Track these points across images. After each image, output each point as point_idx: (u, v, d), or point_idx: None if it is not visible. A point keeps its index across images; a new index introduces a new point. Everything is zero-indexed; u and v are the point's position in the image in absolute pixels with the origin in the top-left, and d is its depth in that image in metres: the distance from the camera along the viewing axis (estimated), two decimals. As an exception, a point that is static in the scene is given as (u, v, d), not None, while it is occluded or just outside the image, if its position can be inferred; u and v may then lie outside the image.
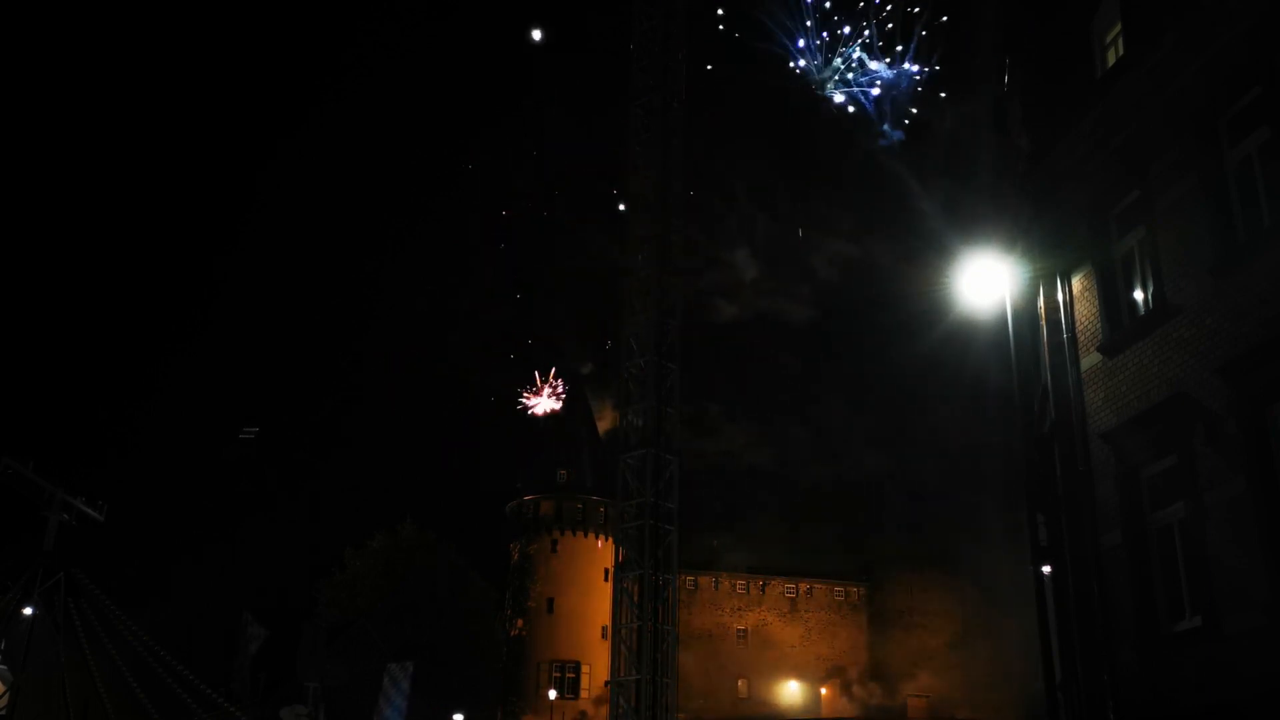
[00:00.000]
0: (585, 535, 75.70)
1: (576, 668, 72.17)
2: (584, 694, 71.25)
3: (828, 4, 55.24)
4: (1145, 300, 12.05)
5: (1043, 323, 13.81)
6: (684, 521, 37.07)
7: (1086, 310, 12.88)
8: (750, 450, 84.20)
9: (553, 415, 79.80)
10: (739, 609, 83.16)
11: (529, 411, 78.52)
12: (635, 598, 34.63)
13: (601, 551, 72.24)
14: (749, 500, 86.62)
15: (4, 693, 24.72)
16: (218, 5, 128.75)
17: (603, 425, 79.28)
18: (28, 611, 24.50)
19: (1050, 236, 13.66)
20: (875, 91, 54.82)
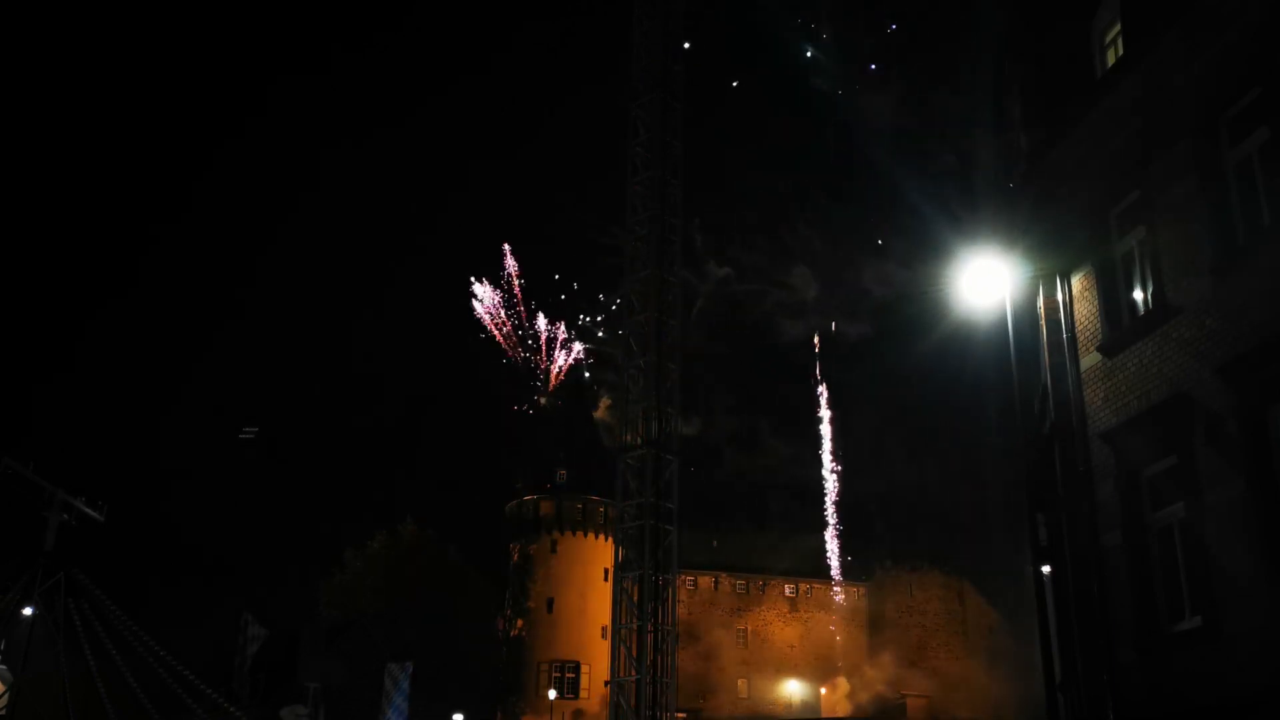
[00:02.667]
0: (585, 535, 75.65)
1: (576, 668, 72.12)
2: (584, 694, 71.20)
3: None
4: (1145, 300, 12.04)
5: (1043, 323, 13.80)
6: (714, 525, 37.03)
7: (1086, 310, 12.87)
8: (794, 463, 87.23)
9: (555, 408, 79.38)
10: (739, 609, 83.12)
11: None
12: (635, 598, 34.61)
13: (601, 551, 72.16)
14: (787, 509, 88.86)
15: (4, 693, 24.73)
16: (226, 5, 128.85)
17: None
18: (28, 611, 24.50)
19: (1050, 236, 13.66)
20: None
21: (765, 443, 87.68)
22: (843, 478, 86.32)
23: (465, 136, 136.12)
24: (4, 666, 26.77)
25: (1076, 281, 13.12)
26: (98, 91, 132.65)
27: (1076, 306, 13.04)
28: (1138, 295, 12.23)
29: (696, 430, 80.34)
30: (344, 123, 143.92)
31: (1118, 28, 13.22)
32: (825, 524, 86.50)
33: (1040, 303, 13.99)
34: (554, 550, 74.74)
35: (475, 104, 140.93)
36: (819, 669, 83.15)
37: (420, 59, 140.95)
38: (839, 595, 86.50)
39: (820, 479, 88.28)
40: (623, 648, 34.65)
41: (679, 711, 43.36)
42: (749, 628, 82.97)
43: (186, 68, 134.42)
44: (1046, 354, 13.52)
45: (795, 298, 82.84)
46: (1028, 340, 14.38)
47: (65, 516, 24.39)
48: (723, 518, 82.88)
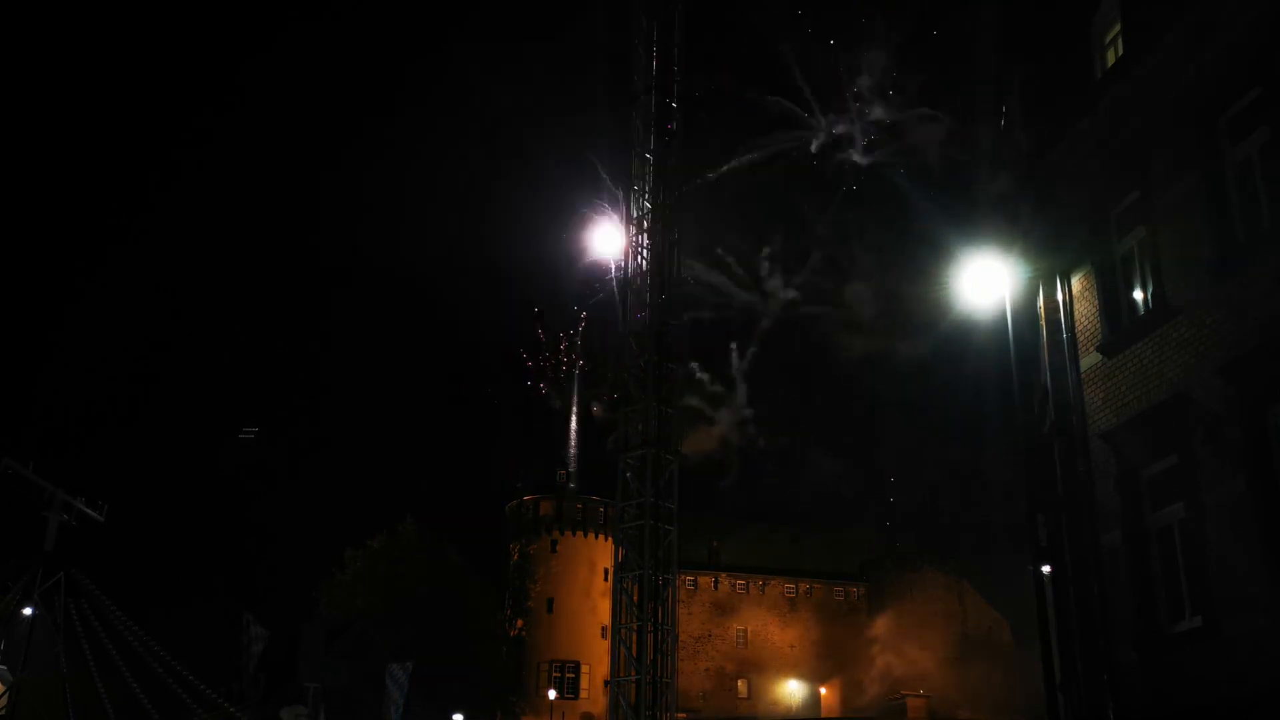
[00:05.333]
0: (585, 535, 75.66)
1: (576, 668, 72.15)
2: (584, 694, 71.22)
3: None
4: (1145, 300, 12.04)
5: (1043, 323, 13.79)
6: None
7: (1086, 310, 12.87)
8: (836, 475, 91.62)
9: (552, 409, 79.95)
10: (739, 609, 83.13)
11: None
12: (635, 598, 34.59)
13: (601, 551, 72.20)
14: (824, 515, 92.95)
15: (4, 693, 24.72)
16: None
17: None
18: (28, 612, 24.49)
19: (1050, 236, 13.65)
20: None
21: (810, 456, 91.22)
22: (874, 485, 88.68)
23: (462, 142, 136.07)
24: (4, 666, 26.74)
25: (1076, 281, 13.12)
26: (98, 88, 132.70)
27: (1076, 306, 13.03)
28: (1138, 295, 12.23)
29: (747, 443, 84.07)
30: (340, 120, 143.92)
31: (1118, 28, 13.21)
32: (859, 527, 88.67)
33: (1040, 303, 13.99)
34: (554, 550, 74.73)
35: (471, 106, 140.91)
36: (819, 669, 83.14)
37: (418, 66, 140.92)
38: (839, 595, 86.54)
39: (856, 487, 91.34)
40: (623, 648, 34.62)
41: (679, 711, 43.34)
42: (749, 628, 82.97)
43: (181, 62, 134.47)
44: (1046, 354, 13.51)
45: (852, 317, 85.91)
46: (1028, 340, 14.36)
47: (65, 516, 24.37)
48: (757, 520, 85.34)
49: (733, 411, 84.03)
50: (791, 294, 78.91)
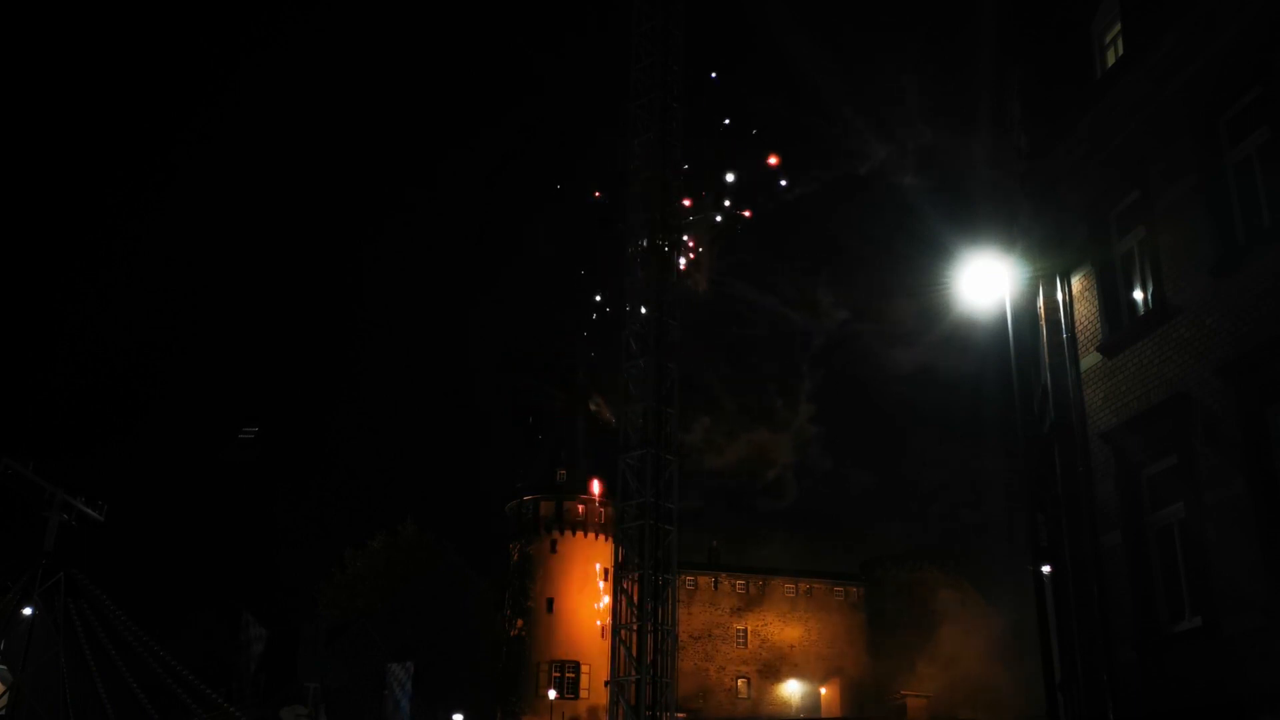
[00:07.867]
0: (585, 535, 75.62)
1: (576, 668, 72.10)
2: (584, 694, 71.19)
3: None
4: (1145, 300, 12.04)
5: (1042, 323, 13.80)
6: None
7: (1086, 310, 12.87)
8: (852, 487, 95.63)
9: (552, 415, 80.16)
10: (739, 609, 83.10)
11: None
12: (635, 598, 34.62)
13: (601, 551, 72.18)
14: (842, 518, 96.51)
15: (4, 693, 24.72)
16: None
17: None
18: (28, 611, 24.47)
19: (1050, 236, 13.65)
20: None
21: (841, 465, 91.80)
22: (882, 486, 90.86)
23: (464, 142, 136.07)
24: (4, 666, 26.74)
25: (1076, 281, 13.12)
26: (98, 87, 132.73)
27: (1076, 306, 13.03)
28: (1138, 295, 12.23)
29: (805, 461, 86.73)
30: (339, 121, 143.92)
31: (1118, 28, 13.22)
32: (866, 529, 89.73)
33: (1040, 303, 14.00)
34: (554, 550, 74.70)
35: (471, 108, 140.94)
36: (819, 669, 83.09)
37: (418, 70, 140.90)
38: (839, 595, 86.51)
39: (868, 487, 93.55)
40: (622, 648, 34.66)
41: (679, 711, 43.36)
42: (749, 628, 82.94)
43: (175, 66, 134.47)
44: (1046, 354, 13.52)
45: (896, 330, 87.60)
46: (1028, 340, 14.38)
47: (65, 516, 24.34)
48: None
49: (794, 433, 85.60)
50: (844, 314, 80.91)
